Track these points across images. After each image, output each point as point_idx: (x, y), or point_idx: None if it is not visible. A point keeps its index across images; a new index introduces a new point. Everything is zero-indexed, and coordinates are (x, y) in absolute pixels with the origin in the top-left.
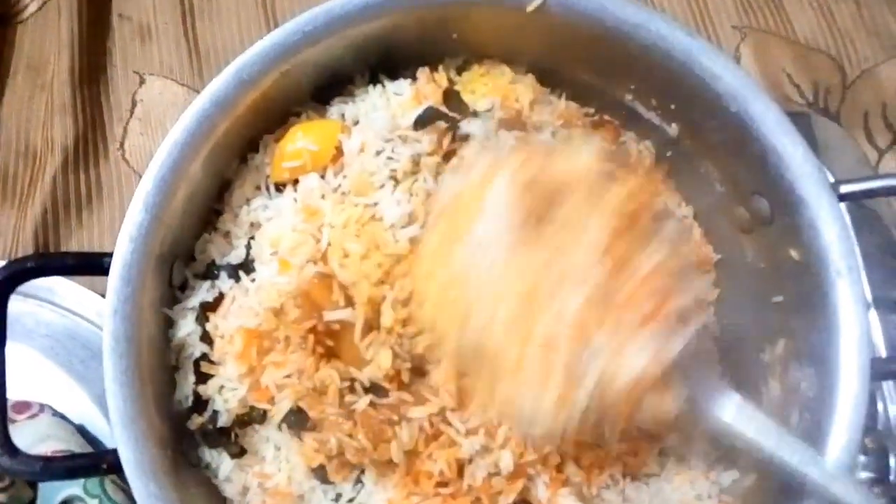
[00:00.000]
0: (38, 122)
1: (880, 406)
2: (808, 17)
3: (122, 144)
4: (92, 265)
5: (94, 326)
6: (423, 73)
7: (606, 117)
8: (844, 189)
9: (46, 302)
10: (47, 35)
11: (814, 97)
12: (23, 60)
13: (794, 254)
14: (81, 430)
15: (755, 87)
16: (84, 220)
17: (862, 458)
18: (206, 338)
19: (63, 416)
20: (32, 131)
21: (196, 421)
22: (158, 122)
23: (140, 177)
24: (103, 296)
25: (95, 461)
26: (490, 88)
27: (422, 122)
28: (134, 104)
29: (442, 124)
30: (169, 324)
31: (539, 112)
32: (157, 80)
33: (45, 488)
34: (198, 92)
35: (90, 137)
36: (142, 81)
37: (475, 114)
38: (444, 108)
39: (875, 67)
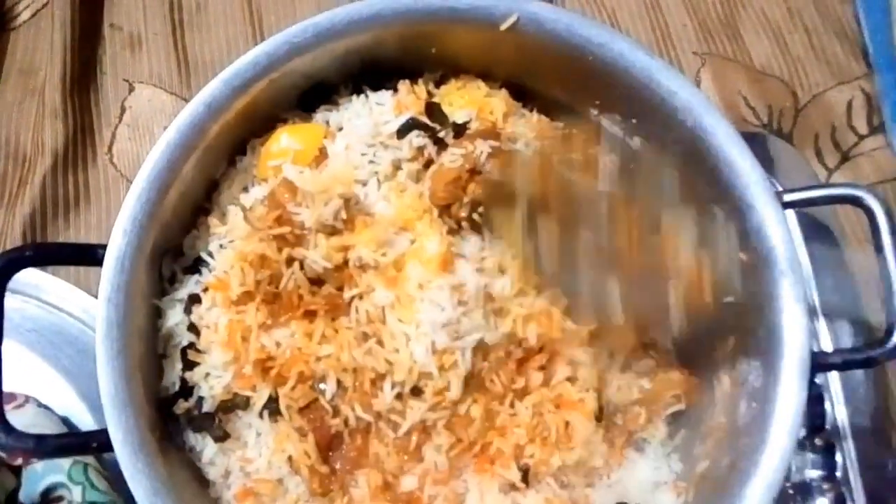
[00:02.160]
0: (29, 125)
1: (828, 405)
2: (764, 45)
3: (110, 149)
4: (87, 256)
5: (80, 323)
6: (403, 85)
7: (574, 131)
8: (787, 198)
9: (33, 298)
10: (39, 42)
11: (768, 119)
12: (15, 66)
13: (742, 256)
14: (65, 422)
15: (707, 103)
16: (72, 221)
17: (811, 456)
18: (193, 328)
19: (48, 408)
20: (23, 135)
21: (182, 406)
22: (146, 128)
23: (127, 180)
24: (89, 293)
25: (86, 440)
26: (466, 101)
27: (403, 132)
28: (123, 111)
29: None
30: (158, 314)
31: (513, 124)
32: (145, 89)
33: (28, 476)
34: (185, 100)
35: (79, 142)
36: (131, 89)
37: (454, 125)
38: (424, 119)
39: (825, 92)
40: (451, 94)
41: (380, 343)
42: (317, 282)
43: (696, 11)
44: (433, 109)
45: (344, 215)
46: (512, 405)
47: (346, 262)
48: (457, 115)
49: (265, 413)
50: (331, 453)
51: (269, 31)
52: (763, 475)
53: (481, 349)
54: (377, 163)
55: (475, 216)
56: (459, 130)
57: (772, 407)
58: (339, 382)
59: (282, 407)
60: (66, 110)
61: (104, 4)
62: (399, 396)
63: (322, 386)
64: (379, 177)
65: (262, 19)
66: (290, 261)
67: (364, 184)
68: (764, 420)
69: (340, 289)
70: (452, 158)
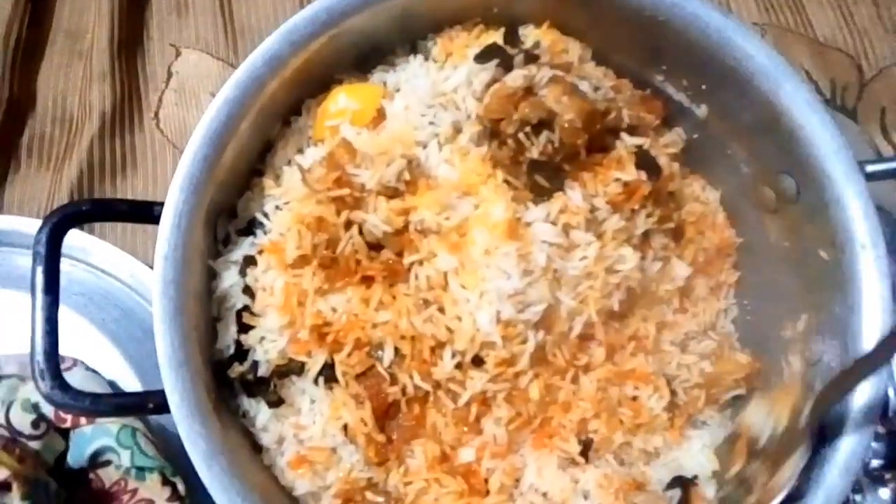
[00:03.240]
0: (76, 88)
1: (891, 392)
2: (828, 16)
3: (156, 114)
4: (144, 213)
5: (127, 287)
6: (449, 30)
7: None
8: (870, 168)
9: (80, 262)
10: (87, 4)
11: (831, 94)
12: (62, 28)
13: (818, 231)
14: (112, 385)
15: (787, 67)
16: (118, 185)
17: (874, 445)
18: (248, 291)
19: (95, 372)
20: (70, 98)
21: (236, 370)
22: (193, 93)
23: (173, 146)
24: (136, 257)
25: (142, 400)
26: (544, 35)
27: (482, 56)
28: (169, 75)
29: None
30: (212, 276)
31: (585, 70)
32: (192, 53)
33: (77, 439)
34: (232, 66)
35: (126, 106)
36: (178, 54)
37: (526, 52)
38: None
39: (892, 66)
40: (530, 35)
41: (441, 310)
42: (375, 247)
43: None
44: (509, 36)
45: (407, 176)
46: (575, 380)
47: (406, 227)
48: (530, 44)
49: (320, 380)
50: (388, 422)
51: None
52: (839, 461)
53: (545, 321)
54: (437, 124)
55: (521, 136)
56: (532, 58)
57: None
58: (396, 350)
59: (338, 373)
60: (114, 74)
61: None
62: (459, 366)
63: (379, 353)
64: (440, 139)
65: None
66: (348, 224)
67: (424, 146)
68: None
69: (400, 254)
70: (514, 77)
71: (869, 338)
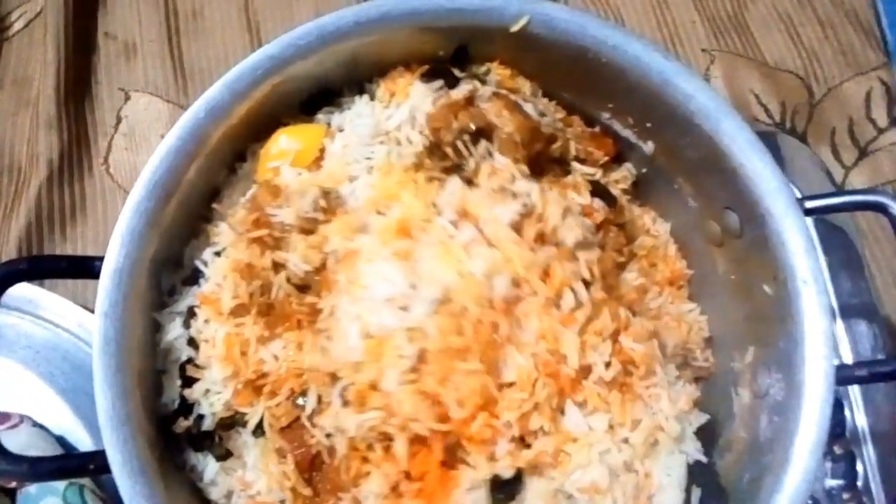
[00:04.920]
0: (24, 137)
1: (847, 413)
2: (776, 40)
3: (106, 159)
4: (83, 268)
5: (76, 338)
6: (395, 70)
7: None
8: (809, 204)
9: (28, 314)
10: (33, 52)
11: (780, 117)
12: (8, 76)
13: (761, 265)
14: (61, 441)
15: (727, 107)
16: (68, 234)
17: (830, 465)
18: (193, 343)
19: (43, 427)
20: (17, 146)
21: (182, 424)
22: (143, 137)
23: (124, 191)
24: (86, 308)
25: (83, 462)
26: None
27: (429, 76)
28: (119, 120)
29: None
30: (156, 328)
31: (534, 99)
32: (142, 97)
33: (23, 499)
34: (182, 108)
35: (75, 153)
36: (127, 98)
37: (476, 75)
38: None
39: (841, 84)
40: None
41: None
42: (305, 288)
43: (703, 7)
44: (458, 60)
45: (323, 204)
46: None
47: (324, 265)
48: (481, 72)
49: (259, 432)
50: (314, 474)
51: (266, 38)
52: (787, 494)
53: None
54: (373, 158)
55: (458, 143)
56: (480, 81)
57: (795, 424)
58: (319, 398)
59: (265, 426)
60: (61, 121)
61: (98, 13)
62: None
63: (301, 401)
64: (371, 170)
65: (260, 25)
66: (277, 268)
67: (354, 179)
68: (787, 436)
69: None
70: (458, 91)
71: (811, 372)
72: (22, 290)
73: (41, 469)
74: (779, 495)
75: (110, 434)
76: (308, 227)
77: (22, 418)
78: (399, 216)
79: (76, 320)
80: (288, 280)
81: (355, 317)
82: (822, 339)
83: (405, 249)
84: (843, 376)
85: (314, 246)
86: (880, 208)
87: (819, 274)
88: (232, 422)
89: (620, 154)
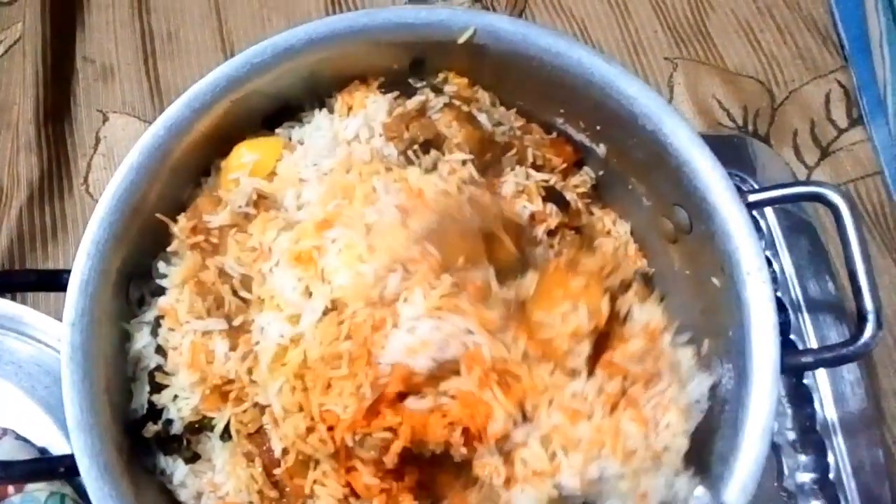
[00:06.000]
0: (4, 160)
1: (818, 406)
2: (736, 46)
3: (85, 179)
4: (52, 281)
5: (57, 353)
6: (352, 85)
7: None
8: (751, 198)
9: (11, 330)
10: (13, 77)
11: (743, 121)
12: None
13: (709, 259)
14: (43, 453)
15: (667, 107)
16: (49, 253)
17: (802, 459)
18: (161, 351)
19: (26, 440)
20: None
21: (150, 429)
22: (121, 157)
23: None
24: None
25: (53, 464)
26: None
27: (386, 86)
28: (97, 141)
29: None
30: (127, 337)
31: (492, 109)
32: (119, 118)
33: None
34: None
35: (55, 174)
36: (105, 119)
37: (433, 86)
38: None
39: (801, 87)
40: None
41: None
42: None
43: (665, 17)
44: (416, 66)
45: (255, 196)
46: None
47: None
48: (438, 80)
49: (226, 436)
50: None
51: None
52: (738, 480)
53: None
54: (324, 165)
55: (409, 152)
56: (437, 90)
57: (745, 411)
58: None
59: (232, 431)
60: (41, 143)
61: (76, 38)
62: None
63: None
64: (323, 177)
65: (234, 46)
66: (223, 277)
67: (304, 182)
68: (736, 423)
69: None
70: (412, 101)
71: (760, 361)
72: (5, 308)
73: (14, 471)
74: (731, 481)
75: (77, 436)
76: (241, 224)
77: (5, 431)
78: (330, 210)
79: (57, 336)
80: (234, 293)
81: (259, 329)
82: (768, 326)
83: (308, 253)
84: (790, 363)
85: (246, 248)
86: (819, 198)
87: (762, 264)
88: (200, 425)
89: (581, 159)
